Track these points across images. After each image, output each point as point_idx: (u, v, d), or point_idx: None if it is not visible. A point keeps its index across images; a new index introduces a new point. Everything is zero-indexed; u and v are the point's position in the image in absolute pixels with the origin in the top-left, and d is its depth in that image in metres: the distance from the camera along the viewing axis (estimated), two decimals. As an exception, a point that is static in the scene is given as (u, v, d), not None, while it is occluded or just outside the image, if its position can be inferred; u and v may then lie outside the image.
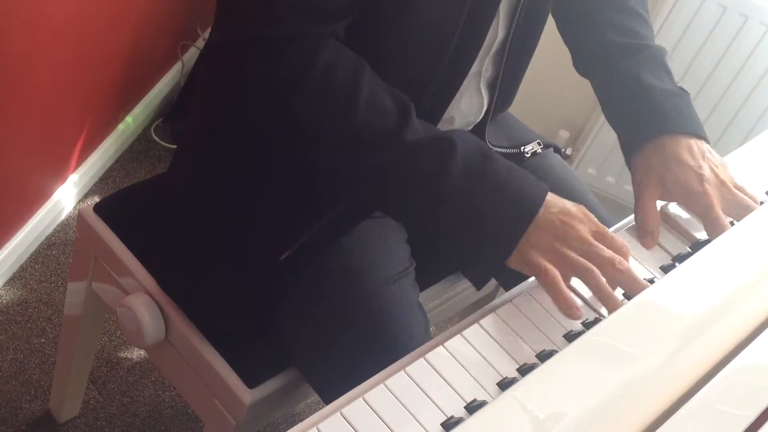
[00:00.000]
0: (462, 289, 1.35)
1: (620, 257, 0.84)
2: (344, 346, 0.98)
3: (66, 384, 1.41)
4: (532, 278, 0.88)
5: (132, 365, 1.58)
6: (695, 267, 0.81)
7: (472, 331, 0.79)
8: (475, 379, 0.75)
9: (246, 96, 0.89)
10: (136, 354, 1.60)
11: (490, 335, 0.79)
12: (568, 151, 2.11)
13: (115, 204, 1.19)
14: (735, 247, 0.86)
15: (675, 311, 0.74)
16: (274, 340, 1.05)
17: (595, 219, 0.88)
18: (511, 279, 0.94)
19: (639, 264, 0.91)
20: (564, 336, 0.80)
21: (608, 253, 0.84)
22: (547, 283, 0.82)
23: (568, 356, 0.67)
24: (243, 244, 1.03)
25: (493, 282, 1.36)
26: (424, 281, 1.18)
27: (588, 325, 0.79)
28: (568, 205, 0.87)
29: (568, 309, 0.80)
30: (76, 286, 1.26)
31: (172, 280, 1.10)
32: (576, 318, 0.80)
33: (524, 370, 0.75)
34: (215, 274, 1.06)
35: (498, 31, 1.02)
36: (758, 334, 0.71)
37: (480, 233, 0.85)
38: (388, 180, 0.87)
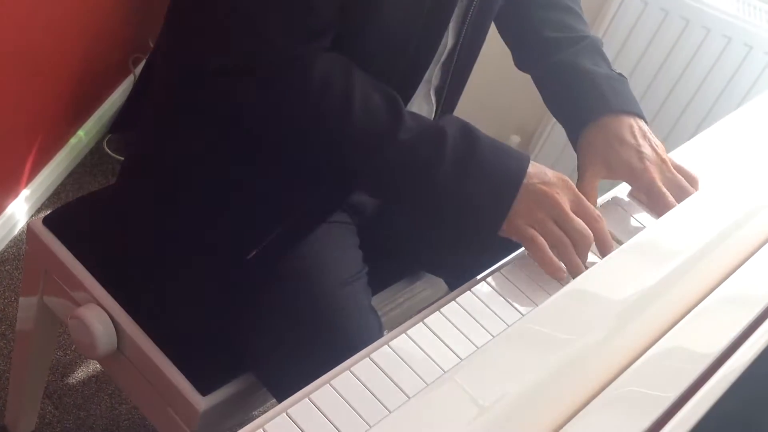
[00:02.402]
0: (415, 293, 1.36)
1: (588, 233, 0.91)
2: (300, 349, 0.99)
3: (21, 399, 1.40)
4: (476, 277, 0.90)
5: (87, 378, 1.58)
6: (624, 255, 0.84)
7: (417, 330, 0.81)
8: (419, 376, 0.76)
9: (246, 117, 0.95)
10: (92, 367, 1.59)
11: (434, 333, 0.81)
12: (520, 156, 2.15)
13: (65, 216, 1.18)
14: (665, 234, 0.89)
15: (605, 298, 0.77)
16: (228, 345, 1.06)
17: (575, 188, 0.94)
18: (456, 278, 0.97)
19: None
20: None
21: (579, 226, 0.91)
22: (533, 251, 0.91)
23: (504, 341, 0.70)
24: (206, 248, 1.04)
25: (444, 286, 1.38)
26: (376, 286, 1.20)
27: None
28: (549, 174, 0.94)
29: (554, 273, 0.89)
30: (27, 301, 1.25)
31: (124, 290, 1.10)
32: (561, 279, 0.89)
33: (466, 365, 0.76)
34: (169, 282, 1.07)
35: (448, 39, 1.05)
36: (682, 318, 0.74)
37: (471, 212, 0.92)
38: (384, 177, 0.93)
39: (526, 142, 2.20)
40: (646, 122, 1.08)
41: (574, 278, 0.87)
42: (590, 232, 0.91)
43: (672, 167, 1.04)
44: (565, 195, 0.93)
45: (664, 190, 1.01)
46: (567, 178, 0.95)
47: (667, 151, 1.14)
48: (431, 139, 0.91)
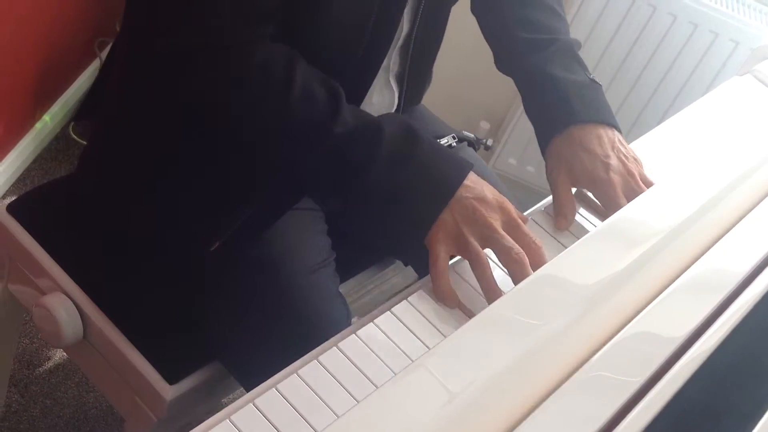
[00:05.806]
0: (385, 279, 1.36)
1: (519, 248, 0.86)
2: (266, 337, 0.99)
3: (-15, 388, 1.38)
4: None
5: (54, 367, 1.56)
6: (592, 241, 0.85)
7: (384, 319, 0.81)
8: (386, 365, 0.76)
9: (187, 101, 0.93)
10: (59, 356, 1.58)
11: (402, 322, 0.81)
12: (490, 142, 2.15)
13: (29, 203, 1.17)
14: (633, 221, 0.90)
15: (573, 283, 0.78)
16: (195, 334, 1.06)
17: (514, 212, 0.89)
18: (424, 266, 0.97)
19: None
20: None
21: (508, 242, 0.86)
22: (432, 271, 0.86)
23: (473, 327, 0.70)
24: (168, 238, 1.03)
25: (413, 273, 1.39)
26: (346, 273, 1.20)
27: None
28: (487, 191, 0.89)
29: (444, 300, 0.84)
30: (-9, 289, 1.24)
31: (90, 278, 1.09)
32: (450, 307, 0.84)
33: (434, 354, 0.77)
34: (135, 270, 1.06)
35: (403, 24, 1.04)
36: (649, 304, 0.75)
37: (400, 216, 0.88)
38: (318, 170, 0.90)
39: (496, 129, 2.20)
40: (619, 131, 1.05)
41: (488, 301, 0.84)
42: (522, 251, 0.85)
43: (640, 181, 1.01)
44: (498, 216, 0.88)
45: (624, 205, 0.97)
46: (506, 202, 0.90)
47: (633, 138, 1.14)
48: (367, 135, 0.88)
